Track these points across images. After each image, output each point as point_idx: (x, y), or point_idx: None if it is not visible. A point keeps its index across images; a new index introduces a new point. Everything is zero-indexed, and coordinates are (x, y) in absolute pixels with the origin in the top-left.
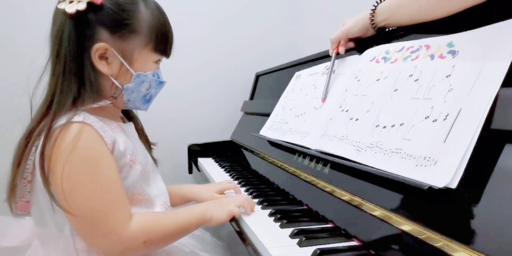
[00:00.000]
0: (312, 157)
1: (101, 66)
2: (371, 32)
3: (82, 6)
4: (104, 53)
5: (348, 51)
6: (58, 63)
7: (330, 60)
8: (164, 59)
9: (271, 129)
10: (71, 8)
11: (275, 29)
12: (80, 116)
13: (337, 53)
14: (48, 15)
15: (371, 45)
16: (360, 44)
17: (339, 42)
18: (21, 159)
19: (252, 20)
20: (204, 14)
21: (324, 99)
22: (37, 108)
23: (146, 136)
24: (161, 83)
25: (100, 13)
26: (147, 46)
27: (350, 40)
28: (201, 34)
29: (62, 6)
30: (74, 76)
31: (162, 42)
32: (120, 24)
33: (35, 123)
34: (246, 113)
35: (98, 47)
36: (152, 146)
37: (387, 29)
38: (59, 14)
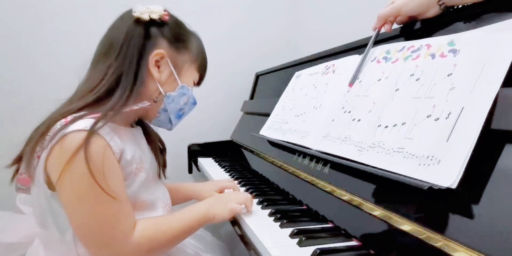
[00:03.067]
0: (312, 157)
1: (154, 71)
2: (433, 11)
3: (155, 16)
4: (160, 60)
5: (386, 40)
6: (122, 63)
7: (330, 60)
8: None
9: (271, 129)
10: (145, 15)
11: (275, 29)
12: (90, 123)
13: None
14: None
15: (432, 30)
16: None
17: (386, 20)
18: (46, 131)
19: (252, 20)
20: (204, 14)
21: (351, 84)
22: (72, 98)
23: (160, 140)
24: (195, 103)
25: (164, 27)
26: (194, 63)
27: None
28: (201, 35)
29: (136, 14)
30: (134, 77)
31: (203, 65)
32: (178, 38)
33: (75, 108)
34: (246, 113)
35: (157, 52)
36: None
37: (455, 7)
38: (130, 21)
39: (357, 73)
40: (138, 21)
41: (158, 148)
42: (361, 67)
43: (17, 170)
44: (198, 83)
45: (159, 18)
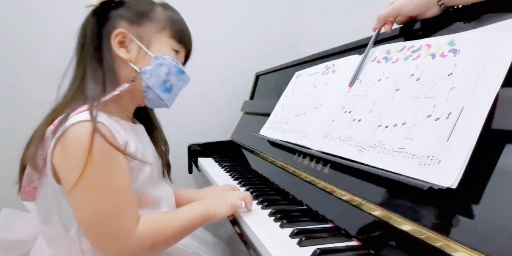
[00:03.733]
0: (312, 157)
1: (120, 52)
2: (433, 11)
3: None
4: (123, 40)
5: (386, 40)
6: (84, 55)
7: (330, 60)
8: None
9: (271, 129)
10: (94, 1)
11: (275, 29)
12: (86, 115)
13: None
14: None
15: (432, 30)
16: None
17: (386, 20)
18: (42, 137)
19: (252, 21)
20: (204, 15)
21: (351, 84)
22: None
23: (163, 139)
24: (182, 72)
25: (121, 7)
26: (163, 30)
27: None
28: (202, 35)
29: (87, 4)
30: (99, 64)
31: (177, 30)
32: (138, 13)
33: (60, 108)
34: (246, 113)
35: (117, 32)
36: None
37: (455, 7)
38: (88, 15)
39: (357, 73)
40: (95, 11)
41: (162, 150)
42: (361, 67)
43: (20, 182)
44: (185, 45)
45: (112, 0)
